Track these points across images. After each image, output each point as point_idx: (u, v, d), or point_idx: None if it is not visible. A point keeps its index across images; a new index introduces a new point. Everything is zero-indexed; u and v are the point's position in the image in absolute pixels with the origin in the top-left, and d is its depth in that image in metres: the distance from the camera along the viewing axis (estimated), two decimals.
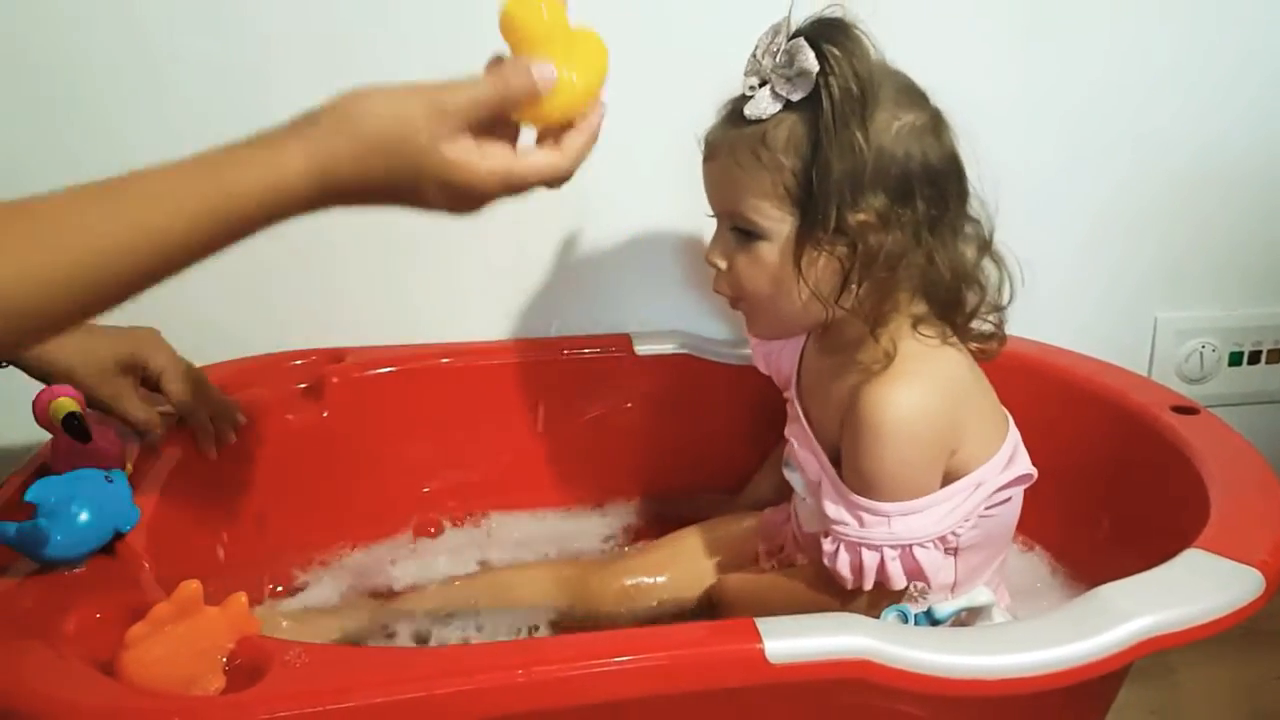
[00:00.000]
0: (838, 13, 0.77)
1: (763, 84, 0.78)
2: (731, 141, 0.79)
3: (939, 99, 0.81)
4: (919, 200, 0.77)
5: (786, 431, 0.92)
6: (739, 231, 0.80)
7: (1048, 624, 0.66)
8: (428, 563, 1.05)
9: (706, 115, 0.84)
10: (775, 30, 0.78)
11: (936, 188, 0.78)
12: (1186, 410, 0.92)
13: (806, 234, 0.77)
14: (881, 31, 0.79)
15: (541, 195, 1.07)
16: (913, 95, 0.79)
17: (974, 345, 0.85)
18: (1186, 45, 1.16)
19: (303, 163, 0.59)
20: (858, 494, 0.78)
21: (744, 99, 0.79)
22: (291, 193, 0.59)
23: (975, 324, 0.84)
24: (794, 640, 0.63)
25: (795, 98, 0.76)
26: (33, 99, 1.00)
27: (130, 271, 0.56)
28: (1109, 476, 0.96)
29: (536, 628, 0.93)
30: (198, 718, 0.58)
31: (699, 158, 0.84)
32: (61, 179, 0.98)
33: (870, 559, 0.77)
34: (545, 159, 0.65)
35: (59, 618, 0.65)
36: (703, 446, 1.08)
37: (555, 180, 0.66)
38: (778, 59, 0.76)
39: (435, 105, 0.60)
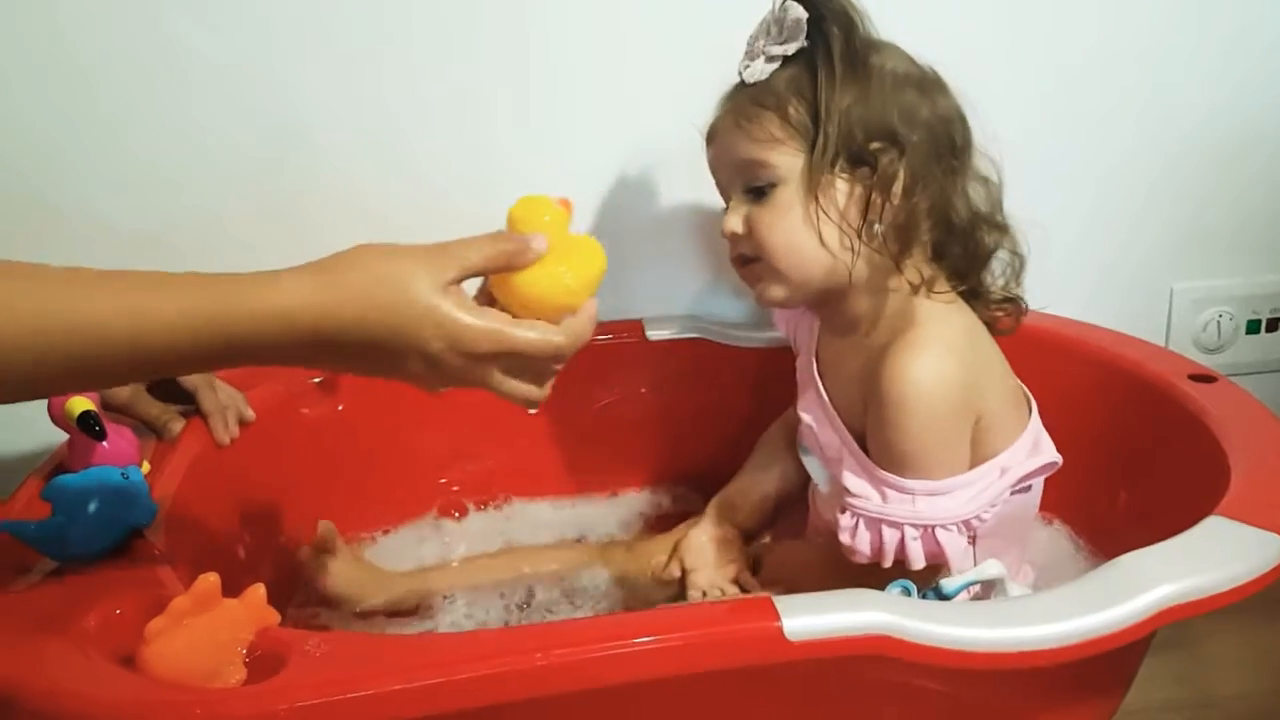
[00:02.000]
0: None
1: (758, 58, 0.79)
2: (734, 106, 0.81)
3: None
4: (927, 132, 0.78)
5: (801, 411, 0.91)
6: (752, 191, 0.80)
7: (1068, 595, 0.66)
8: (450, 546, 1.06)
9: (715, 99, 0.84)
10: (765, 21, 0.80)
11: (942, 125, 0.79)
12: (1204, 379, 0.92)
13: (818, 162, 0.77)
14: (873, 5, 0.79)
15: (552, 179, 1.09)
16: (909, 56, 0.81)
17: (993, 313, 0.85)
18: (1184, 4, 1.14)
19: (309, 292, 0.59)
20: (885, 470, 0.78)
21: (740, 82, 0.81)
22: (290, 320, 0.59)
23: (994, 289, 0.84)
24: (812, 617, 0.62)
25: (790, 52, 0.78)
26: (35, 98, 1.00)
27: (112, 359, 0.57)
28: (1128, 447, 0.95)
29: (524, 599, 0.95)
30: (220, 710, 0.58)
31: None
32: (64, 179, 1.00)
33: (890, 536, 0.77)
34: (541, 332, 0.64)
35: (79, 614, 0.65)
36: (717, 430, 1.08)
37: (549, 352, 0.65)
38: (770, 32, 0.78)
39: (435, 248, 0.62)
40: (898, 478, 0.77)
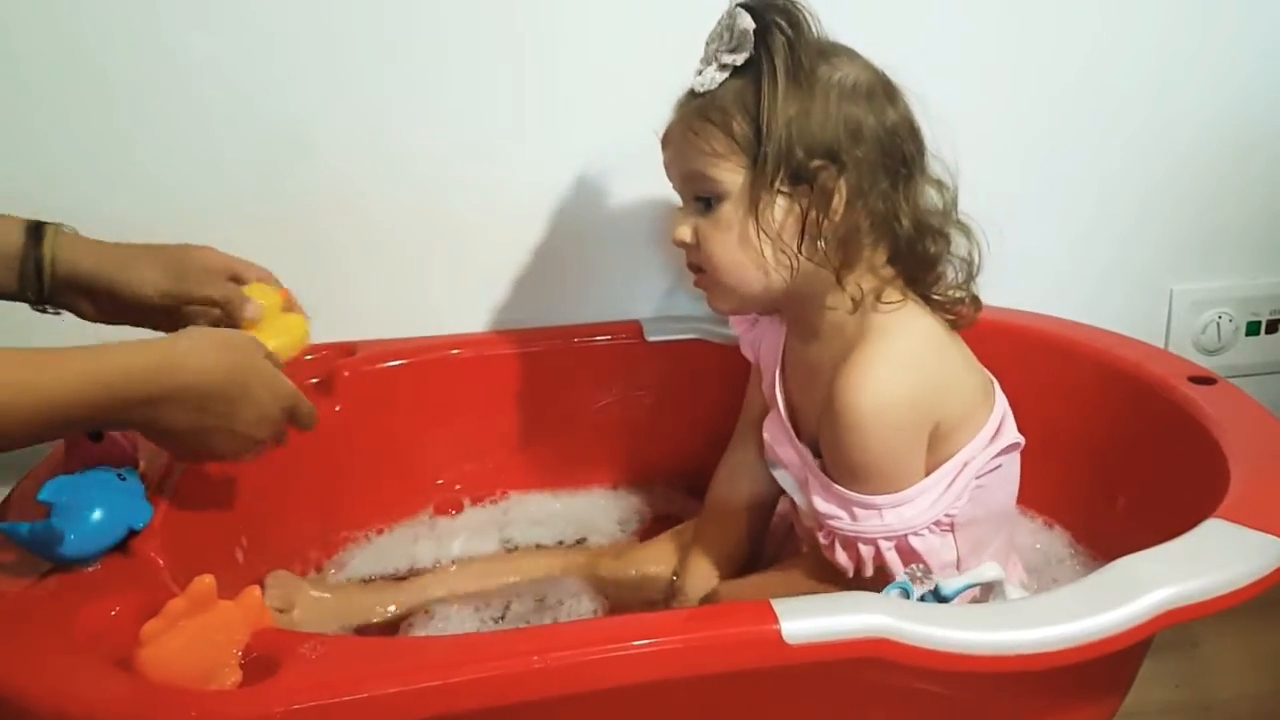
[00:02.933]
0: None
1: (709, 65, 0.79)
2: (683, 116, 0.81)
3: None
4: (871, 146, 0.77)
5: (764, 427, 0.92)
6: (701, 201, 0.81)
7: (1067, 597, 0.66)
8: (445, 545, 1.06)
9: None
10: (720, 25, 0.79)
11: (889, 138, 0.79)
12: (1204, 380, 0.92)
13: (758, 179, 0.77)
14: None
15: (549, 181, 1.09)
16: (862, 63, 0.80)
17: (947, 314, 0.84)
18: (1188, 6, 1.14)
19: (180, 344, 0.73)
20: (845, 488, 0.78)
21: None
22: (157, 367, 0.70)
23: (946, 290, 0.84)
24: (810, 620, 0.62)
25: (739, 62, 0.77)
26: (46, 112, 1.00)
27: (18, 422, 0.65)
28: (1127, 449, 0.95)
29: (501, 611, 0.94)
30: (215, 712, 0.58)
31: None
32: (68, 179, 1.00)
33: (866, 551, 0.78)
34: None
35: (75, 616, 0.65)
36: (715, 431, 1.07)
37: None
38: (722, 37, 0.78)
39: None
40: (860, 495, 0.78)
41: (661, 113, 0.84)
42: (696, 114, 0.80)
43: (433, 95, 1.06)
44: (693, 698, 0.66)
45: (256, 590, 0.65)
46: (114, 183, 1.03)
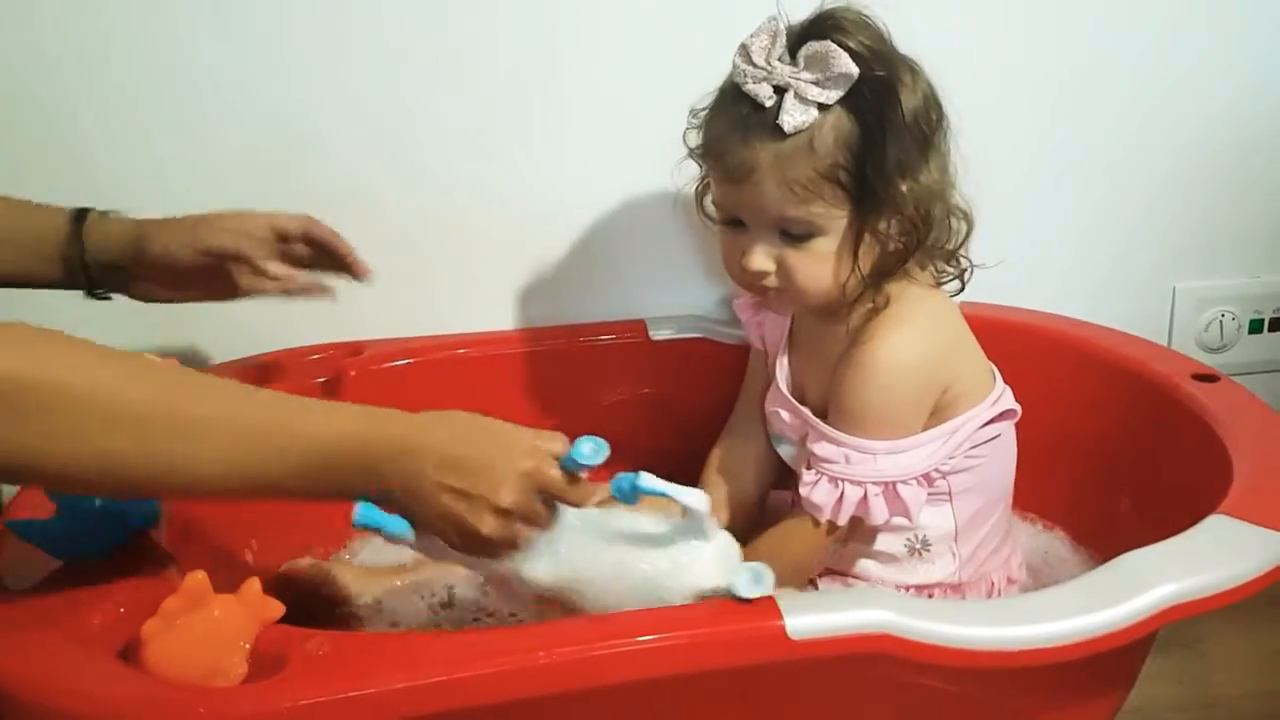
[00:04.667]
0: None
1: (779, 90, 0.77)
2: (773, 157, 0.78)
3: (935, 75, 0.82)
4: (937, 148, 0.80)
5: (768, 402, 0.94)
6: (788, 234, 0.81)
7: (1070, 593, 0.66)
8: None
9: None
10: (773, 34, 0.78)
11: (941, 128, 0.81)
12: (1207, 378, 0.92)
13: (864, 220, 0.79)
14: (872, 9, 0.79)
15: (554, 182, 1.09)
16: (901, 52, 0.81)
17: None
18: (1190, 5, 1.14)
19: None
20: (847, 432, 0.82)
21: (760, 109, 0.77)
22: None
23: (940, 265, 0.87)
24: (815, 616, 0.63)
25: (833, 100, 0.76)
26: (63, 112, 1.01)
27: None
28: (1131, 446, 0.96)
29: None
30: (223, 707, 0.59)
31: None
32: (67, 179, 1.00)
33: (853, 493, 0.81)
34: None
35: (83, 613, 0.65)
36: (720, 429, 1.08)
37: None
38: (800, 64, 0.76)
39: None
40: (860, 439, 0.81)
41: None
42: (796, 159, 0.77)
43: (441, 98, 1.06)
44: (698, 693, 0.67)
45: (256, 582, 0.65)
46: (124, 183, 1.03)
